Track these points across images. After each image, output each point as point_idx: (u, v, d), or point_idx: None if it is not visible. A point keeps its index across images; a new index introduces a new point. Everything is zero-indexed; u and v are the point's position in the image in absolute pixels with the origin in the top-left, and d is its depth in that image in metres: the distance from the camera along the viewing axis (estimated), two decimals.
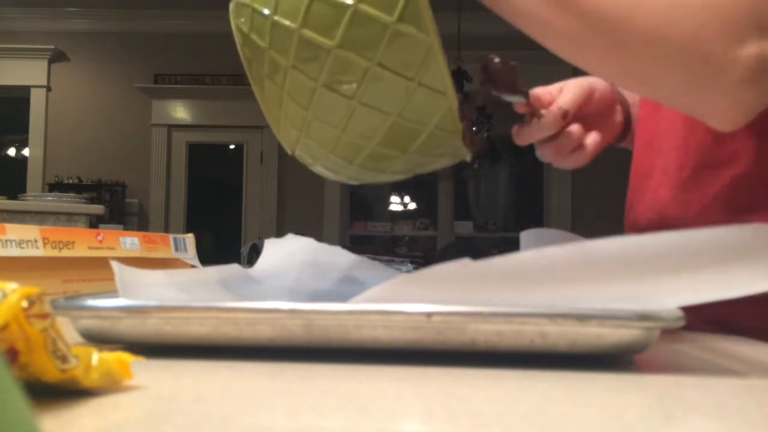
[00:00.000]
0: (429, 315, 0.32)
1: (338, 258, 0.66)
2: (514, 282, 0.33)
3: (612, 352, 0.32)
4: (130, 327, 0.34)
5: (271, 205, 5.14)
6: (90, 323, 0.35)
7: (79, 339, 0.36)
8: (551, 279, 0.33)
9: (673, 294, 0.32)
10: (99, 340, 0.35)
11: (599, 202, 4.56)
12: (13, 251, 0.55)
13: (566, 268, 0.33)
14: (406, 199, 8.03)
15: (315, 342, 0.33)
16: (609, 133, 0.66)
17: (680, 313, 0.31)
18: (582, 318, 0.31)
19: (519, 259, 0.33)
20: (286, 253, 0.65)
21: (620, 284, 0.32)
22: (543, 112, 0.59)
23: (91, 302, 0.35)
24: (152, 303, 0.34)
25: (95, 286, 0.67)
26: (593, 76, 0.58)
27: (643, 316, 0.31)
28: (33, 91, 5.04)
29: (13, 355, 0.21)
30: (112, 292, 0.39)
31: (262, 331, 0.33)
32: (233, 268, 0.56)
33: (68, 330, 0.32)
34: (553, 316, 0.31)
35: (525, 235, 0.64)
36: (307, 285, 0.63)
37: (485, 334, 0.32)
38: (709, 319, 0.54)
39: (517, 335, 0.32)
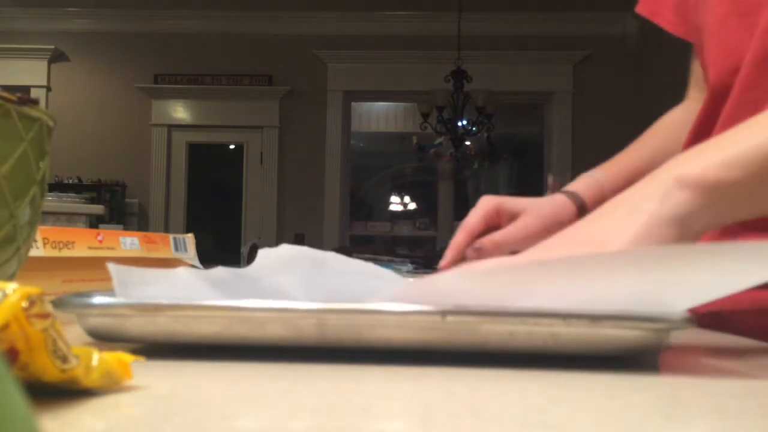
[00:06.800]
0: (443, 315, 0.32)
1: (334, 261, 0.67)
2: (523, 284, 0.34)
3: (622, 354, 0.33)
4: (139, 325, 0.34)
5: (271, 205, 5.14)
6: (98, 321, 0.34)
7: (86, 338, 0.35)
8: (562, 281, 0.34)
9: (681, 295, 0.33)
10: (107, 338, 0.35)
11: None
12: None
13: (578, 272, 0.33)
14: (406, 199, 8.01)
15: (327, 342, 0.33)
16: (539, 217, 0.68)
17: (689, 315, 0.32)
18: (595, 319, 0.31)
19: (530, 262, 0.34)
20: (278, 258, 0.66)
21: (628, 287, 0.33)
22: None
23: (100, 300, 0.34)
24: (164, 301, 0.33)
25: (95, 286, 0.67)
26: None
27: (655, 319, 0.31)
28: (33, 91, 5.05)
29: (13, 355, 0.21)
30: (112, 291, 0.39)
31: (274, 331, 0.33)
32: (220, 270, 0.57)
33: (74, 329, 0.32)
34: (566, 317, 0.31)
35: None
36: (303, 284, 0.64)
37: (498, 334, 0.32)
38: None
39: (530, 336, 0.32)
